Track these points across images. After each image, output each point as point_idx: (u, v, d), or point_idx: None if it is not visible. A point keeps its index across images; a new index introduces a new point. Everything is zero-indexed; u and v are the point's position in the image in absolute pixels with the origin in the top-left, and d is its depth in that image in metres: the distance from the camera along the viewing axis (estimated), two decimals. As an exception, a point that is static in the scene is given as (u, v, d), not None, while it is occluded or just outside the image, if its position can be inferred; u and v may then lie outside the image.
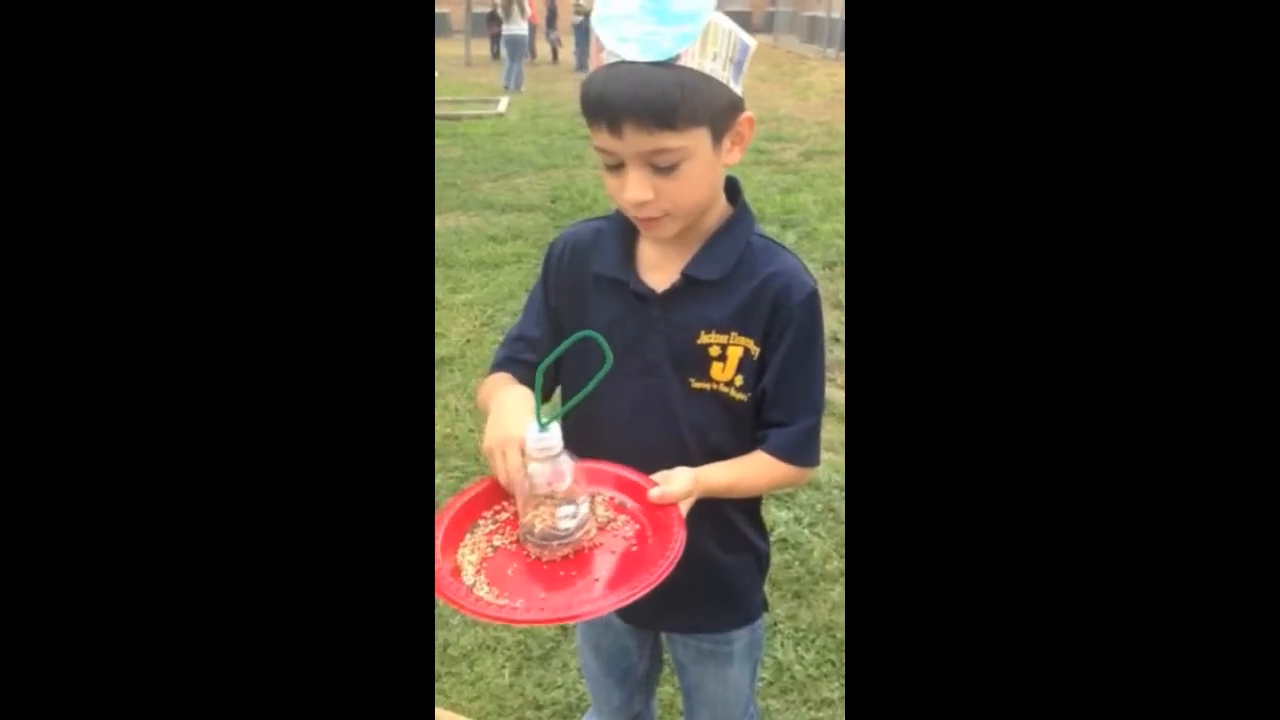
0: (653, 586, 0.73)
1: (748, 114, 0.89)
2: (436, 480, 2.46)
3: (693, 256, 0.94)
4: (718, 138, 0.86)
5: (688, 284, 0.94)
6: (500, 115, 9.26)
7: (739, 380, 0.94)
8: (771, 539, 1.18)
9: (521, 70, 11.95)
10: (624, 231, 0.98)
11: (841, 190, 5.49)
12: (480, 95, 10.73)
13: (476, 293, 4.00)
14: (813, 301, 0.94)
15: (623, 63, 0.82)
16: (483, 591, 0.75)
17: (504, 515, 0.86)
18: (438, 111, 7.90)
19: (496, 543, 0.82)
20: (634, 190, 0.85)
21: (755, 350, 0.94)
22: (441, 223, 5.11)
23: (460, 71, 13.44)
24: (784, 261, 0.95)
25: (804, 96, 10.98)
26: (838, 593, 2.04)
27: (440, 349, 3.35)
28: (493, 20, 14.62)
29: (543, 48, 16.58)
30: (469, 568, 0.78)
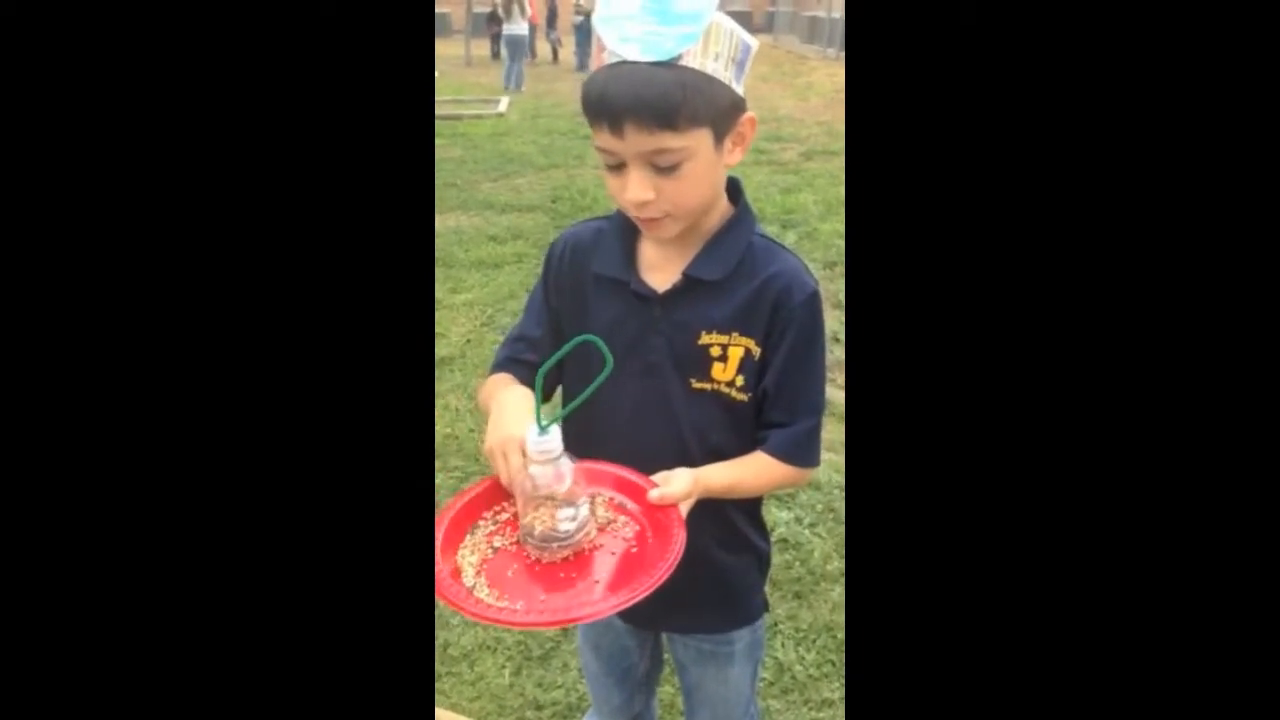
0: (652, 589, 0.73)
1: (749, 114, 0.89)
2: (436, 480, 2.46)
3: (694, 257, 0.94)
4: (719, 138, 0.86)
5: (689, 284, 0.94)
6: (500, 115, 9.26)
7: (740, 380, 0.94)
8: (772, 539, 1.18)
9: (521, 70, 11.95)
10: (625, 231, 0.98)
11: (841, 190, 5.49)
12: (480, 95, 10.73)
13: (476, 293, 4.00)
14: (814, 302, 0.94)
15: (624, 63, 0.82)
16: (483, 593, 0.75)
17: (504, 516, 0.86)
18: (438, 111, 7.91)
19: (497, 544, 0.82)
20: (635, 190, 0.85)
21: (756, 351, 0.94)
22: (441, 223, 5.11)
23: (460, 71, 13.44)
24: (785, 262, 0.95)
25: (804, 96, 10.98)
26: (838, 593, 2.04)
27: (440, 349, 3.35)
28: (493, 20, 14.62)
29: (543, 48, 16.58)
30: (469, 569, 0.78)
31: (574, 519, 0.80)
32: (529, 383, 0.96)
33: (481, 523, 0.85)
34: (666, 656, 1.28)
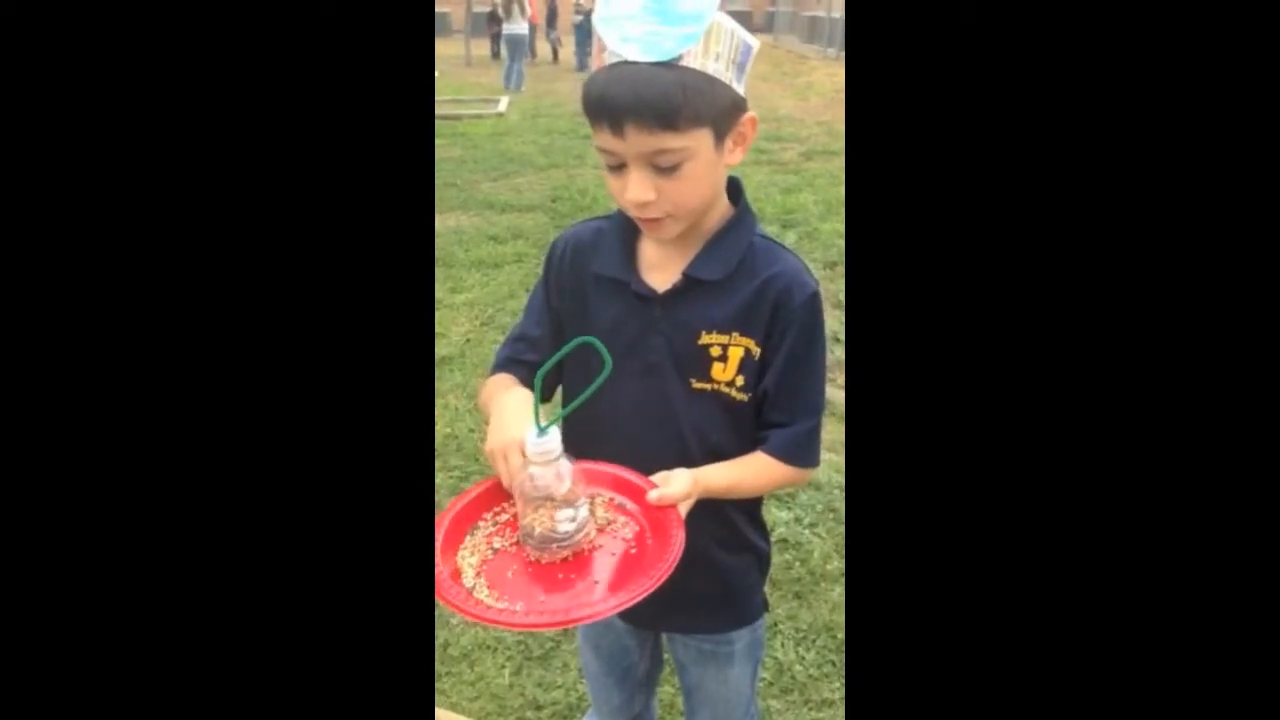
0: (652, 589, 0.73)
1: (750, 114, 0.89)
2: (436, 480, 2.46)
3: (694, 257, 0.94)
4: (720, 138, 0.86)
5: (689, 284, 0.94)
6: (500, 115, 9.26)
7: (740, 381, 0.94)
8: (772, 539, 1.18)
9: (522, 70, 11.94)
10: (625, 231, 0.98)
11: (841, 190, 5.49)
12: (480, 95, 10.73)
13: (476, 293, 4.00)
14: (814, 303, 0.94)
15: (625, 63, 0.82)
16: (482, 594, 0.75)
17: (504, 517, 0.86)
18: (438, 111, 7.91)
19: (496, 545, 0.82)
20: (636, 191, 0.85)
21: (756, 351, 0.94)
22: (441, 222, 5.11)
23: (460, 71, 13.44)
24: (786, 262, 0.95)
25: (804, 96, 10.98)
26: (838, 593, 2.04)
27: (440, 349, 3.35)
28: (493, 20, 14.63)
29: (543, 48, 16.58)
30: (469, 570, 0.78)
31: (573, 520, 0.80)
32: (529, 382, 0.96)
33: (481, 524, 0.85)
34: (666, 656, 1.28)
